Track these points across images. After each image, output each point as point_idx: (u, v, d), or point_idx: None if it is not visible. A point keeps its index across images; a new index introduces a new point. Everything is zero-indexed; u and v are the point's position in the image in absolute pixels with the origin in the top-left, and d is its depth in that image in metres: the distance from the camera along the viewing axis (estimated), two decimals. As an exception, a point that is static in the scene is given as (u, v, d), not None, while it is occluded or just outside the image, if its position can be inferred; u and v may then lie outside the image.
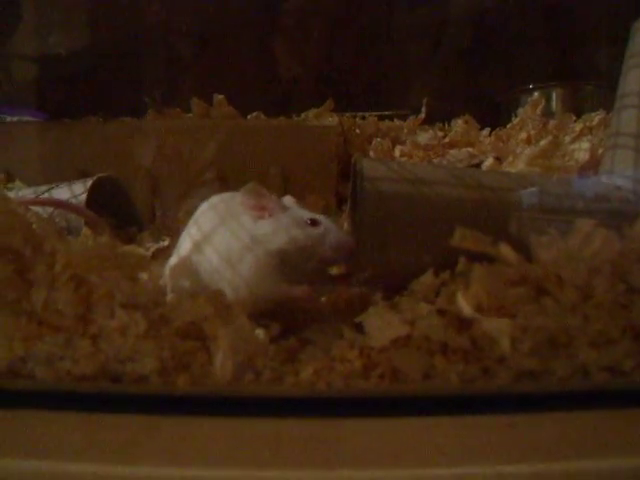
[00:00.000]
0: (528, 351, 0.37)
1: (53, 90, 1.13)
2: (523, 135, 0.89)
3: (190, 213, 0.48)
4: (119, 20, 1.17)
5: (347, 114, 1.05)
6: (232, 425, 0.35)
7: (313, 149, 0.87)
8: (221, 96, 0.97)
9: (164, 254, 0.51)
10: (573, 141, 0.80)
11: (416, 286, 0.42)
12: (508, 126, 0.99)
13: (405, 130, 1.06)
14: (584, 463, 0.31)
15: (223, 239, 0.44)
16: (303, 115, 1.03)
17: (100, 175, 0.71)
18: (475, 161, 0.86)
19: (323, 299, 0.46)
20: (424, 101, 1.07)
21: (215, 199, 0.48)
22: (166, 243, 0.59)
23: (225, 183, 0.84)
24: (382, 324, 0.38)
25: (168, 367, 0.37)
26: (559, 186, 0.48)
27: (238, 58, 1.26)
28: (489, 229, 0.41)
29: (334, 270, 0.49)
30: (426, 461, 0.32)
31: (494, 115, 1.18)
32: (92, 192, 0.66)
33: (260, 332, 0.38)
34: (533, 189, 0.46)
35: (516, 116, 1.01)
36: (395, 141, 1.01)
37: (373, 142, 0.98)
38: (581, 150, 0.73)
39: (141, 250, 0.57)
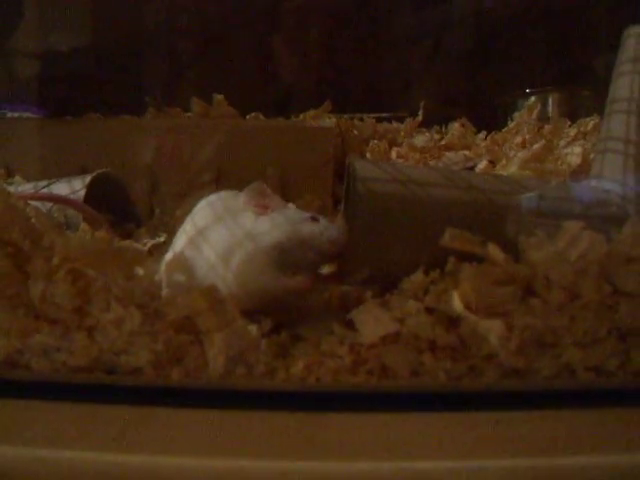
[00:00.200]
0: (515, 350, 0.37)
1: (54, 87, 1.13)
2: (518, 139, 0.90)
3: (188, 211, 0.49)
4: (120, 19, 1.17)
5: (345, 116, 1.05)
6: (224, 417, 0.36)
7: (311, 150, 0.87)
8: (220, 96, 0.98)
9: (160, 250, 0.51)
10: (567, 145, 0.80)
11: (406, 284, 0.43)
12: (504, 130, 0.99)
13: (402, 132, 1.06)
14: (569, 459, 0.32)
15: (221, 234, 0.44)
16: (301, 116, 1.03)
17: (99, 171, 0.71)
18: (470, 164, 0.86)
19: (315, 297, 0.47)
20: (421, 104, 1.08)
21: (213, 197, 0.48)
22: (162, 239, 0.60)
23: (223, 183, 0.85)
24: (372, 321, 0.39)
25: (162, 360, 0.38)
26: (549, 189, 0.49)
27: (238, 58, 1.27)
28: (479, 230, 0.42)
29: (325, 269, 0.49)
30: (413, 455, 0.32)
31: (492, 118, 1.18)
32: (91, 188, 0.67)
33: (253, 327, 0.39)
34: (523, 192, 0.46)
35: (512, 120, 1.02)
36: (392, 143, 1.02)
37: (370, 144, 0.99)
38: (573, 154, 0.74)
39: (138, 246, 0.58)
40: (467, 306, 0.38)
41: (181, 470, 0.32)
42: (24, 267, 0.39)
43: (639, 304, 0.38)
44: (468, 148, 0.97)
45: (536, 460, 0.32)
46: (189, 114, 1.01)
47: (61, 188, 0.67)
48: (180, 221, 0.49)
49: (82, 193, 0.66)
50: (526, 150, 0.80)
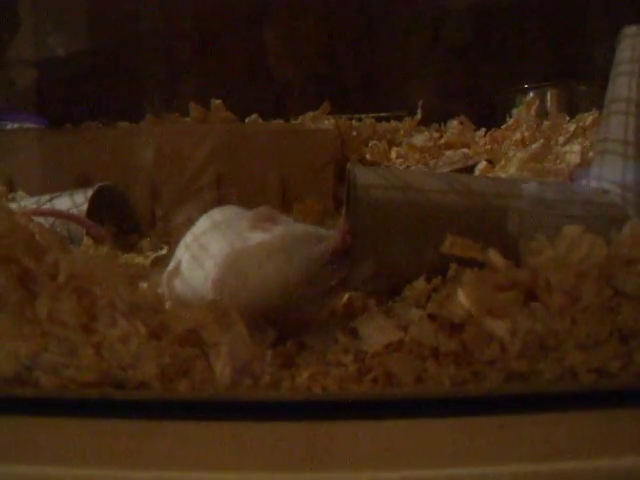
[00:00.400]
0: (517, 353, 0.38)
1: (53, 94, 1.14)
2: (517, 136, 0.90)
3: (188, 220, 0.49)
4: (117, 27, 1.18)
5: (344, 116, 1.05)
6: (231, 429, 0.36)
7: (311, 153, 0.88)
8: (218, 101, 0.98)
9: (163, 262, 0.52)
10: (565, 142, 0.80)
11: (408, 291, 0.43)
12: (503, 127, 0.99)
13: (401, 132, 1.06)
14: (573, 463, 0.32)
15: (220, 244, 0.44)
16: (300, 118, 1.03)
17: (100, 185, 0.72)
18: (470, 162, 0.86)
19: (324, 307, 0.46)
20: (420, 102, 1.08)
21: (215, 211, 0.49)
22: (164, 251, 0.60)
23: (223, 187, 0.85)
24: (376, 329, 0.39)
25: (168, 373, 0.38)
26: (548, 191, 0.49)
27: (234, 60, 1.27)
28: (479, 234, 0.42)
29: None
30: (419, 462, 0.33)
31: (491, 115, 1.18)
32: (93, 201, 0.67)
33: (258, 339, 0.39)
34: (523, 195, 0.47)
35: (510, 116, 1.02)
36: (391, 143, 1.02)
37: (370, 144, 0.99)
38: (572, 153, 0.74)
39: (141, 259, 0.58)
40: (469, 312, 0.39)
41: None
42: (29, 284, 0.40)
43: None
44: (467, 146, 0.97)
45: (542, 464, 0.33)
46: (187, 119, 1.01)
47: (63, 202, 0.67)
48: (181, 230, 0.49)
49: (84, 207, 0.66)
50: (525, 150, 0.79)
